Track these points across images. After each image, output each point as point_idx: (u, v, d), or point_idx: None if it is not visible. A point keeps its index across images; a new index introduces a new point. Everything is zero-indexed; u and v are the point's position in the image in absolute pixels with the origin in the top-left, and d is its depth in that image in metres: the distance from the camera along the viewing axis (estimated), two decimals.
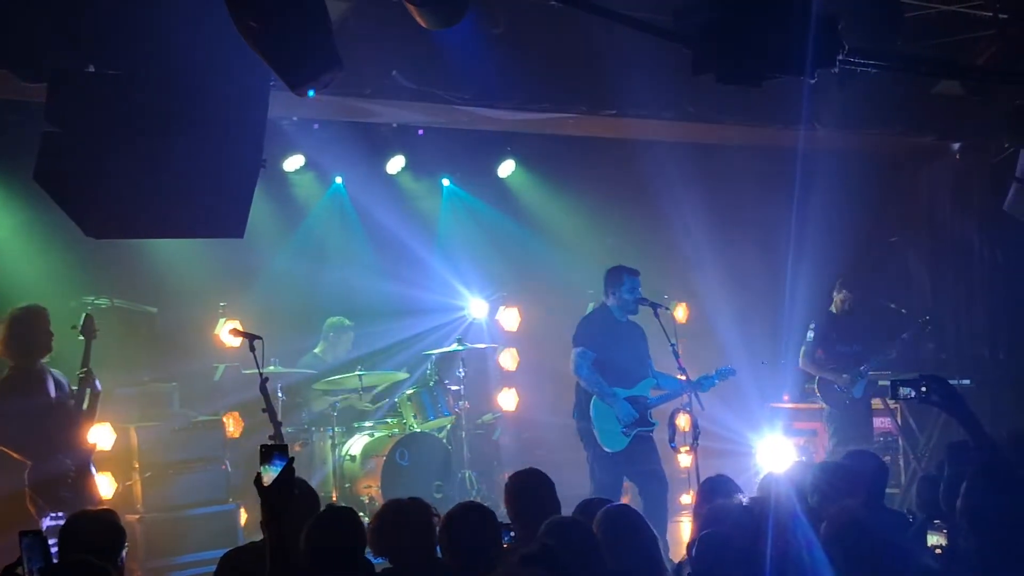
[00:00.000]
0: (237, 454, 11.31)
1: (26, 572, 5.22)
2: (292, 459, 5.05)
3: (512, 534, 6.44)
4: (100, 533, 6.14)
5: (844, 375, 12.15)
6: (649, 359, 10.75)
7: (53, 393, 9.29)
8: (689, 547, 5.69)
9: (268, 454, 5.04)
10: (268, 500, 4.97)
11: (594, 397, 10.32)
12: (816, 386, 12.41)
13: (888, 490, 10.98)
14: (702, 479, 9.64)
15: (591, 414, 10.33)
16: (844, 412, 12.36)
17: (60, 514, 8.59)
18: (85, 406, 9.14)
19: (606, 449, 10.30)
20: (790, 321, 13.17)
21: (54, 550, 5.76)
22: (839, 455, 11.75)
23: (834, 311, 12.68)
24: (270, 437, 8.27)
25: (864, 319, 12.84)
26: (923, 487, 7.61)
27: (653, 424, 10.46)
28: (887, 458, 13.00)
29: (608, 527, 5.92)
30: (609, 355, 10.43)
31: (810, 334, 12.52)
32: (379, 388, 12.77)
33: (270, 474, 4.98)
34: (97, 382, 9.27)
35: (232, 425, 11.58)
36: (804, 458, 11.31)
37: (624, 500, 10.33)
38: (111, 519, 6.36)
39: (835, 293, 12.72)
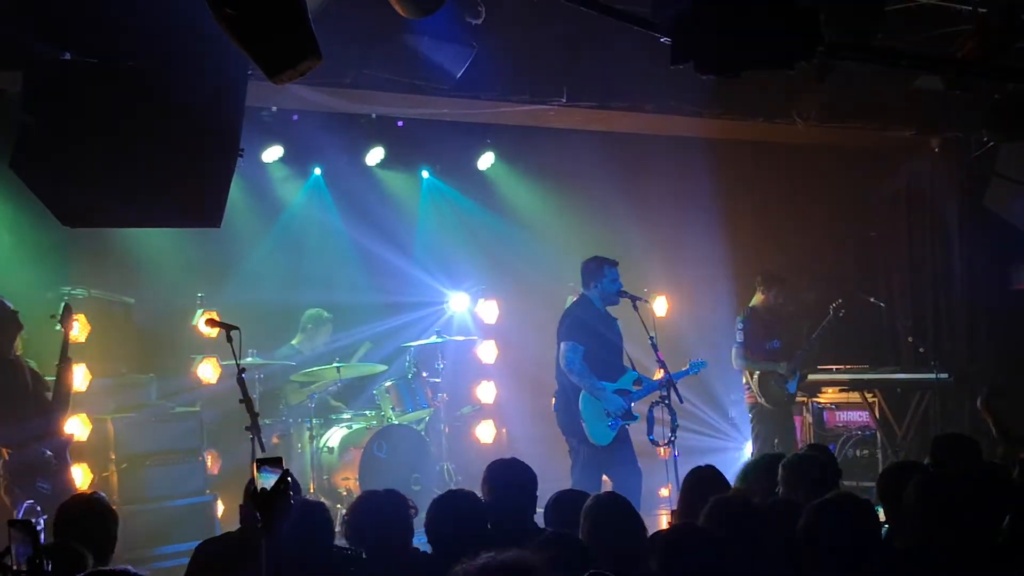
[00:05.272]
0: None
1: (15, 563, 5.18)
2: (287, 471, 5.07)
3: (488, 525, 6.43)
4: (95, 518, 6.18)
5: (783, 363, 12.19)
6: (624, 352, 10.74)
7: (31, 384, 9.27)
8: (651, 540, 5.65)
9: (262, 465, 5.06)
10: (263, 511, 4.96)
11: (583, 392, 10.26)
12: (756, 382, 12.36)
13: (866, 484, 11.08)
14: (680, 471, 9.70)
15: (579, 408, 10.24)
16: (778, 408, 12.38)
17: (32, 502, 8.58)
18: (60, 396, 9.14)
19: (594, 443, 10.26)
20: None
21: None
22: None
23: (757, 307, 12.70)
24: (247, 428, 8.23)
25: (785, 315, 12.87)
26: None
27: (635, 417, 10.43)
28: (865, 452, 13.08)
29: (600, 515, 5.90)
30: (595, 348, 10.37)
31: (739, 335, 12.51)
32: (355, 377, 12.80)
33: (264, 484, 4.99)
34: (73, 376, 9.29)
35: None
36: (781, 450, 11.30)
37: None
38: (105, 503, 6.40)
39: (758, 289, 12.76)
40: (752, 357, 12.34)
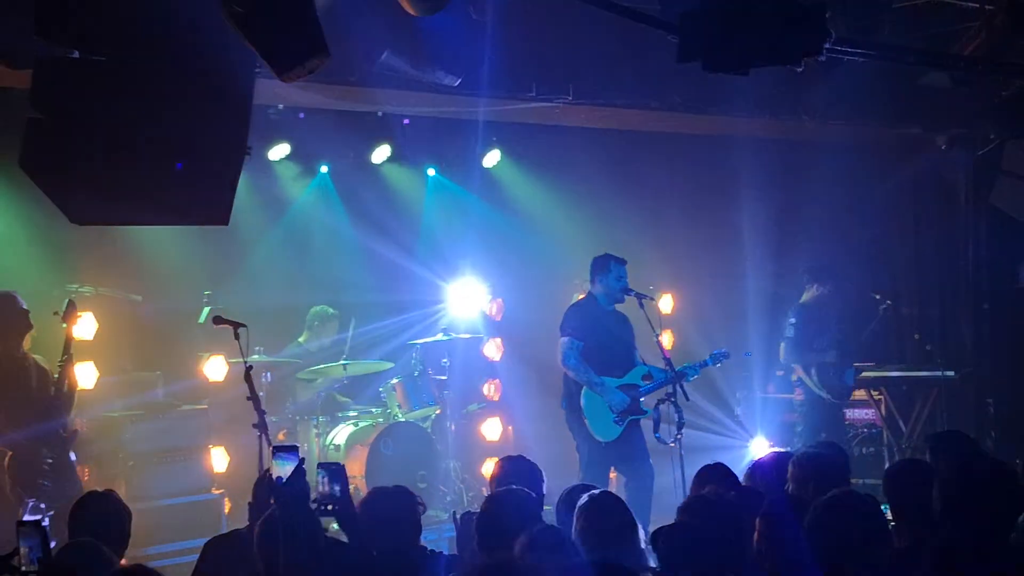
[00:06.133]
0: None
1: (24, 563, 5.18)
2: (303, 460, 5.10)
3: None
4: (110, 514, 6.20)
5: (832, 351, 12.16)
6: (635, 349, 10.74)
7: (35, 381, 9.28)
8: (654, 537, 5.66)
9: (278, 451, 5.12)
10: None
11: (584, 387, 10.30)
12: (815, 376, 12.30)
13: (873, 481, 11.06)
14: (687, 468, 9.70)
15: (581, 404, 10.30)
16: (839, 400, 12.33)
17: (35, 501, 8.59)
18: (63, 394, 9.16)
19: (599, 439, 10.28)
20: (775, 312, 13.16)
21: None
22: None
23: (808, 303, 12.59)
24: (254, 425, 8.24)
25: (836, 308, 12.78)
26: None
27: (645, 412, 10.44)
28: (871, 449, 13.07)
29: (592, 513, 5.90)
30: (597, 344, 10.40)
31: (791, 330, 12.40)
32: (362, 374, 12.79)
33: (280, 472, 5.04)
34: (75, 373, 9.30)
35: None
36: (789, 448, 11.29)
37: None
38: (119, 500, 6.44)
39: (806, 284, 12.63)
40: (805, 351, 12.27)
